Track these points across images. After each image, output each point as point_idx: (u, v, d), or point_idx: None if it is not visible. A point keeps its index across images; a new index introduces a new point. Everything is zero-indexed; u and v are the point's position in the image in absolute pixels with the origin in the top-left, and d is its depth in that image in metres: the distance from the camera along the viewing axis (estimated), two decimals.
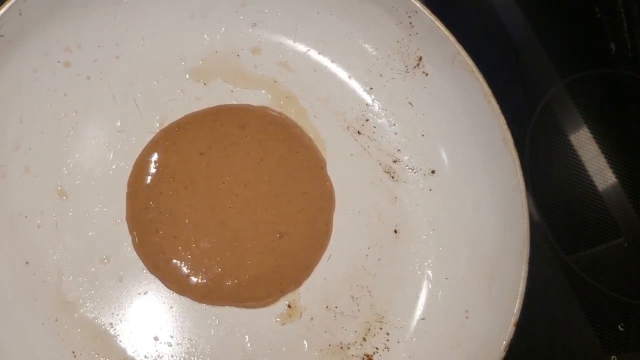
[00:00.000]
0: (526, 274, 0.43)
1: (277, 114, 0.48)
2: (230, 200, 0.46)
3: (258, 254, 0.45)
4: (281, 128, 0.48)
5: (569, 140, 0.59)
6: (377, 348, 0.45)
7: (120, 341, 0.43)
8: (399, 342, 0.45)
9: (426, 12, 0.46)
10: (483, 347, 0.43)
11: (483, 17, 0.62)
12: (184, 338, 0.43)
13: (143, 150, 0.46)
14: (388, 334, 0.45)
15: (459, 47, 0.46)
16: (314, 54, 0.49)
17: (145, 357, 0.43)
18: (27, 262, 0.43)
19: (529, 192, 0.55)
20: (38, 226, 0.43)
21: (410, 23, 0.47)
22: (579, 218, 0.57)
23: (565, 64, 0.61)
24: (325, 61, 0.49)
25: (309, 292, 0.45)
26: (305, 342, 0.44)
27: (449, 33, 0.46)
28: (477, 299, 0.45)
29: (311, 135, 0.48)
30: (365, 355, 0.45)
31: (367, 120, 0.49)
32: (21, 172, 0.44)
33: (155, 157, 0.46)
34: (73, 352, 0.42)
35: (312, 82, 0.49)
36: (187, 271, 0.44)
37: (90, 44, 0.46)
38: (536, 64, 0.61)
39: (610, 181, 0.58)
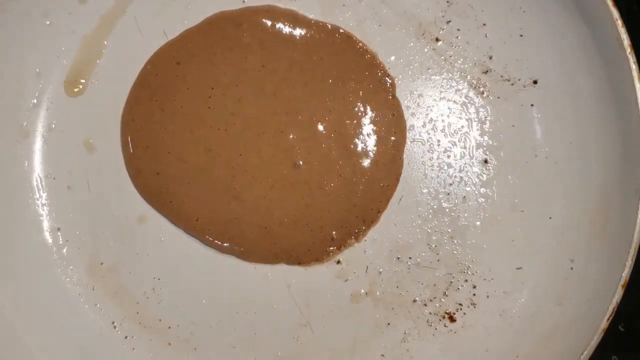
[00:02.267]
0: None
1: (287, 10, 0.41)
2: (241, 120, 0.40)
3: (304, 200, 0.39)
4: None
5: None
6: (460, 304, 0.39)
7: (164, 307, 0.39)
8: (488, 296, 0.39)
9: None
10: (587, 310, 0.37)
11: None
12: (234, 299, 0.39)
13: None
14: (475, 287, 0.39)
15: None
16: None
17: (193, 323, 0.39)
18: (58, 229, 0.39)
19: None
20: (68, 187, 0.39)
21: None
22: None
23: None
24: None
25: (375, 242, 0.39)
26: (371, 301, 0.39)
27: None
28: (588, 245, 0.38)
29: (373, 49, 0.40)
30: (446, 313, 0.39)
31: (448, 22, 0.40)
32: (45, 129, 0.40)
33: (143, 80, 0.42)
34: (113, 323, 0.38)
35: None
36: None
37: None
38: None
39: None
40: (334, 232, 0.39)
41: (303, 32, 0.40)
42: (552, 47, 0.39)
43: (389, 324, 0.38)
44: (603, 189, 0.38)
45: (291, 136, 0.39)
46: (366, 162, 0.39)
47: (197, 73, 0.41)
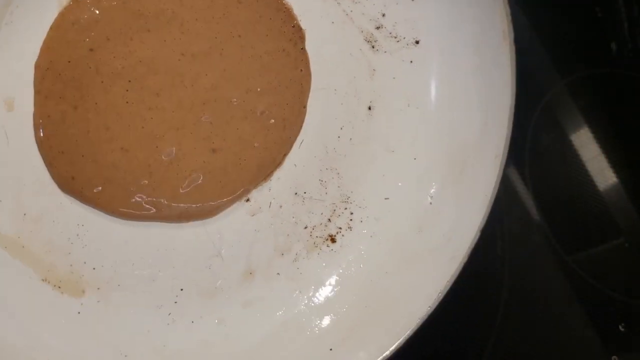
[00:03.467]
0: (498, 180, 0.41)
1: None
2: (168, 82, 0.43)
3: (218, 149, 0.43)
4: None
5: (569, 140, 0.59)
6: (340, 228, 0.45)
7: (89, 251, 0.43)
8: (361, 221, 0.45)
9: None
10: (446, 242, 0.42)
11: None
12: (154, 239, 0.44)
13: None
14: (352, 213, 0.45)
15: None
16: None
17: (115, 262, 0.43)
18: None
19: (529, 192, 0.55)
20: None
21: None
22: (580, 218, 0.57)
23: (565, 64, 0.61)
24: None
25: (279, 182, 0.45)
26: (272, 230, 0.44)
27: None
28: (444, 187, 0.44)
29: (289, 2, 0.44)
30: (329, 235, 0.45)
31: None
32: None
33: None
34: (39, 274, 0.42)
35: None
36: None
37: None
38: (536, 64, 0.61)
39: (610, 181, 0.58)
40: None
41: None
42: (438, 12, 0.44)
43: (285, 248, 0.44)
44: (463, 144, 0.43)
45: (207, 121, 0.43)
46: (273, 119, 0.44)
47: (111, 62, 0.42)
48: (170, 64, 0.43)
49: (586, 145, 0.59)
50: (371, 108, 0.45)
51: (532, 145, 0.57)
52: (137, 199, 0.43)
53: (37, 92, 0.42)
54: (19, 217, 0.42)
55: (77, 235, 0.43)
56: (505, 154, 0.41)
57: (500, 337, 0.50)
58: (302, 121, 0.44)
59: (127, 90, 0.43)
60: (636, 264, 0.56)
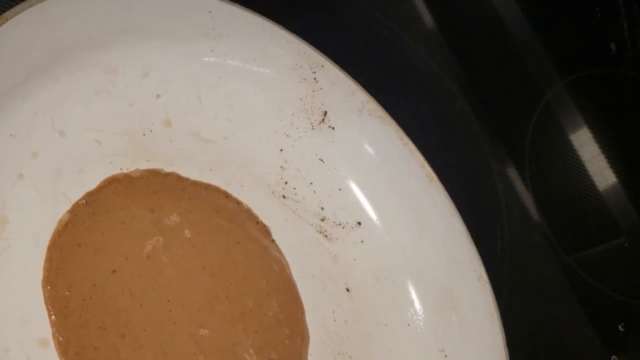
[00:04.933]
0: (492, 296, 0.43)
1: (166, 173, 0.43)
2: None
3: None
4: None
5: (569, 140, 0.59)
6: None
7: None
8: None
9: (332, 64, 0.45)
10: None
11: (483, 17, 0.62)
12: None
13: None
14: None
15: (367, 96, 0.46)
16: (222, 121, 0.46)
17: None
18: None
19: (529, 192, 0.55)
20: None
21: (315, 79, 0.46)
22: (580, 218, 0.57)
23: (565, 64, 0.61)
24: (235, 127, 0.46)
25: None
26: None
27: (356, 83, 0.46)
28: (448, 334, 0.44)
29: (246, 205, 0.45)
30: None
31: (286, 182, 0.47)
32: None
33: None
34: None
35: (228, 150, 0.45)
36: None
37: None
38: (536, 64, 0.61)
39: (610, 181, 0.58)
40: None
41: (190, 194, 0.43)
42: (367, 194, 0.48)
43: None
44: (444, 284, 0.45)
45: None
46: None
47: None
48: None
49: (586, 145, 0.59)
50: (349, 290, 0.46)
51: (532, 145, 0.57)
52: None
53: (65, 316, 0.37)
54: None
55: None
56: (483, 273, 0.44)
57: None
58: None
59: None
60: (635, 263, 0.56)
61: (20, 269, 0.36)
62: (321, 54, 0.46)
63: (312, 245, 0.46)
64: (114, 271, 0.38)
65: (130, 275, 0.39)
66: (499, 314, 0.44)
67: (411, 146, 0.46)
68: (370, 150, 0.47)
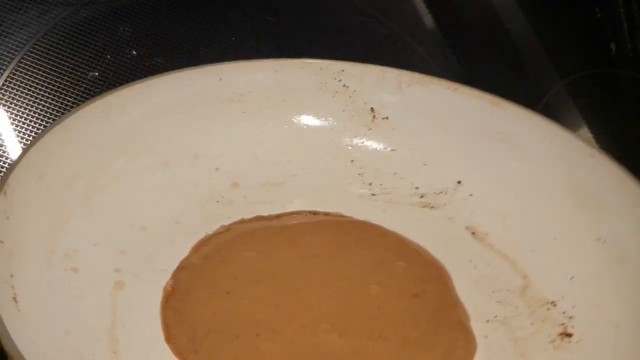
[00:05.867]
0: None
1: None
2: None
3: None
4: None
5: None
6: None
7: None
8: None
9: (349, 64, 0.46)
10: None
11: (483, 17, 0.62)
12: None
13: None
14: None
15: (395, 71, 0.46)
16: (284, 164, 0.46)
17: None
18: None
19: None
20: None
21: (344, 85, 0.47)
22: None
23: (565, 64, 0.61)
24: (299, 163, 0.46)
25: None
26: None
27: (378, 66, 0.46)
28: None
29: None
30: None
31: (370, 183, 0.46)
32: None
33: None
34: None
35: (301, 183, 0.46)
36: None
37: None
38: (536, 64, 0.61)
39: None
40: None
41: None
42: (453, 157, 0.46)
43: None
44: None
45: None
46: None
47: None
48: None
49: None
50: (483, 239, 0.43)
51: None
52: None
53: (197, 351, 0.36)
54: None
55: None
56: None
57: None
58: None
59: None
60: None
61: (142, 337, 0.36)
62: (334, 61, 0.46)
63: (421, 220, 0.44)
64: (227, 292, 0.38)
65: (246, 286, 0.38)
66: None
67: (462, 88, 0.45)
68: (429, 116, 0.46)
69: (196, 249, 0.40)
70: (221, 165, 0.45)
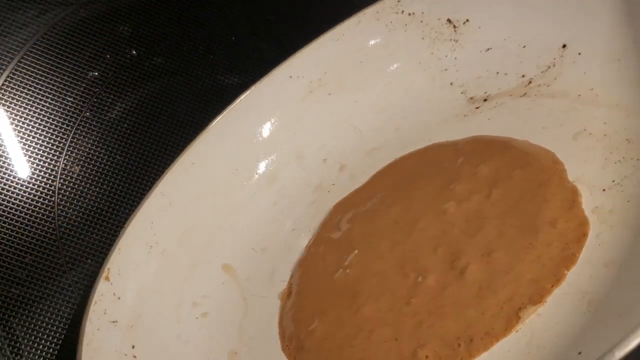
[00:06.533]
0: None
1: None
2: None
3: None
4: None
5: None
6: None
7: None
8: None
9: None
10: None
11: None
12: None
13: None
14: None
15: None
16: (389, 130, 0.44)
17: None
18: None
19: None
20: None
21: (409, 14, 0.44)
22: None
23: None
24: (401, 113, 0.44)
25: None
26: None
27: None
28: None
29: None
30: None
31: (471, 98, 0.42)
32: None
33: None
34: None
35: (403, 132, 0.43)
36: None
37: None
38: None
39: None
40: None
41: None
42: (547, 29, 0.41)
43: None
44: None
45: None
46: None
47: None
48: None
49: None
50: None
51: None
52: None
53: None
54: None
55: None
56: None
57: None
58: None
59: None
60: None
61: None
62: None
63: (531, 110, 0.39)
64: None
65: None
66: None
67: None
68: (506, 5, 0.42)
69: (311, 250, 0.40)
70: (327, 154, 0.44)
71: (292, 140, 0.44)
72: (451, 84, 0.43)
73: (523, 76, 0.41)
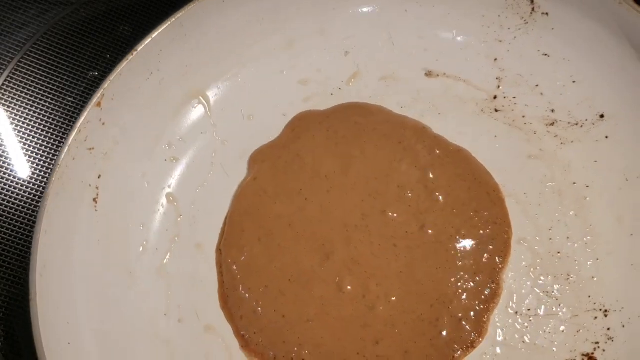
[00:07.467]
0: None
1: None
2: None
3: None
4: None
5: None
6: (597, 343, 0.36)
7: None
8: (623, 325, 0.36)
9: None
10: None
11: None
12: None
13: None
14: (607, 315, 0.36)
15: None
16: (419, 54, 0.43)
17: None
18: None
19: None
20: None
21: None
22: None
23: None
24: (434, 55, 0.43)
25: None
26: None
27: None
28: None
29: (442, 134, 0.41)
30: (583, 356, 0.36)
31: (504, 94, 0.41)
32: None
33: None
34: None
35: (427, 82, 0.43)
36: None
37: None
38: None
39: None
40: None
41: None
42: (607, 79, 0.40)
43: None
44: None
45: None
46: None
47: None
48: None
49: None
50: (586, 198, 0.39)
51: None
52: None
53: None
54: None
55: None
56: None
57: None
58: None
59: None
60: None
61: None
62: None
63: (531, 157, 0.40)
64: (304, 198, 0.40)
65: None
66: None
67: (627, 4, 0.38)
68: (593, 24, 0.40)
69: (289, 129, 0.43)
70: (351, 48, 0.44)
71: (321, 13, 0.44)
72: (495, 60, 0.42)
73: (552, 111, 0.41)
